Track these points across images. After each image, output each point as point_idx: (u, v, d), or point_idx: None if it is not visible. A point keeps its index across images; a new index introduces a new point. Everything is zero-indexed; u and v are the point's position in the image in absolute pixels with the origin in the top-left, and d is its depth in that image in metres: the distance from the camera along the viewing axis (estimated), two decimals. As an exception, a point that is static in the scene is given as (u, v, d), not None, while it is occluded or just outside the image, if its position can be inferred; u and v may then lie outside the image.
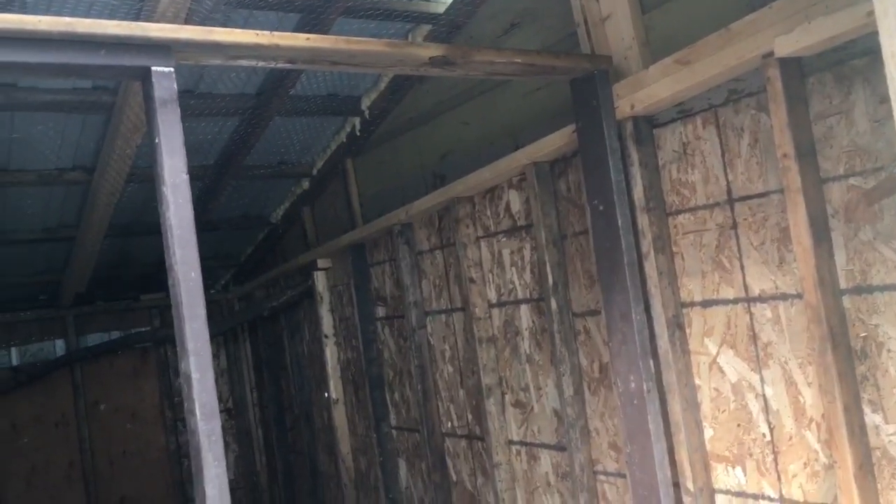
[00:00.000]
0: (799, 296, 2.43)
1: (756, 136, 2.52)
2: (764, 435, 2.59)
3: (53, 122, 4.31)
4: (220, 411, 2.07)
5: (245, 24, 3.65)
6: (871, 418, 2.27)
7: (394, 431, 4.89)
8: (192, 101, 4.29)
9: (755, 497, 2.63)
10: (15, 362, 6.75)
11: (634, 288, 2.82)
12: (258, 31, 2.24)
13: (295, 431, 6.50)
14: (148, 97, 2.07)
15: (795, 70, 2.32)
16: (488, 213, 3.79)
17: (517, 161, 3.44)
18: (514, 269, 3.67)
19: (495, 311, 3.81)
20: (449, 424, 4.29)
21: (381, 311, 4.90)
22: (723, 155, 2.64)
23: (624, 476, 3.15)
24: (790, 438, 2.51)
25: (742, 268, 2.60)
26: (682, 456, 2.77)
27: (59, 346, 6.92)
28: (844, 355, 2.28)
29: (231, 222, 6.18)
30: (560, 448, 3.49)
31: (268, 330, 6.77)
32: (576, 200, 3.27)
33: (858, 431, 2.27)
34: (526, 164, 3.39)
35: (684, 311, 2.82)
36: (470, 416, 4.10)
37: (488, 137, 3.88)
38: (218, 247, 6.69)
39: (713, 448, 2.77)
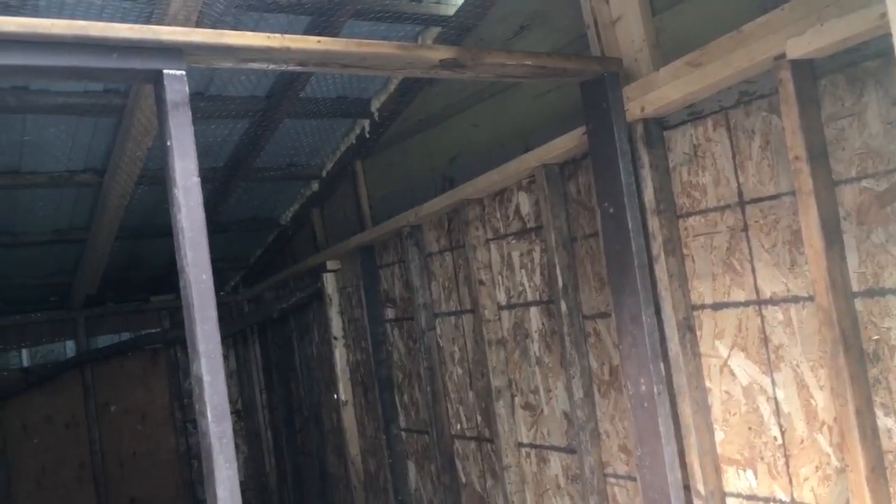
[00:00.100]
0: (811, 298, 2.42)
1: (767, 139, 2.51)
2: (775, 438, 2.58)
3: (65, 124, 4.33)
4: (230, 413, 2.07)
5: (255, 27, 3.67)
6: (884, 422, 2.26)
7: (403, 433, 4.89)
8: (203, 104, 4.31)
9: (766, 500, 2.62)
10: (26, 363, 6.78)
11: (645, 290, 2.81)
12: (269, 34, 2.25)
13: (304, 433, 6.50)
14: (160, 100, 2.08)
15: (807, 72, 2.32)
16: (498, 215, 3.79)
17: (527, 163, 3.44)
18: (523, 271, 3.67)
19: (505, 314, 3.81)
20: (458, 426, 4.28)
21: (390, 313, 4.90)
22: (734, 157, 2.63)
23: (634, 479, 3.14)
24: (802, 442, 2.50)
25: (753, 270, 2.60)
26: (693, 459, 2.77)
27: (70, 348, 6.95)
28: (856, 358, 2.27)
29: (241, 224, 6.20)
30: (570, 450, 3.49)
31: (277, 332, 6.78)
32: (586, 203, 3.27)
33: (871, 435, 2.25)
34: (536, 167, 3.39)
35: (695, 313, 2.82)
36: (479, 418, 4.10)
37: (498, 139, 3.88)
38: (227, 248, 6.71)
39: (724, 451, 2.76)
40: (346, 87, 4.65)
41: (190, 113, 2.07)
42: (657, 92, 2.72)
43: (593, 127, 2.93)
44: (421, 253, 4.42)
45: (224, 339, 7.04)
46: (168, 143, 2.05)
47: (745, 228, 2.61)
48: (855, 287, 2.30)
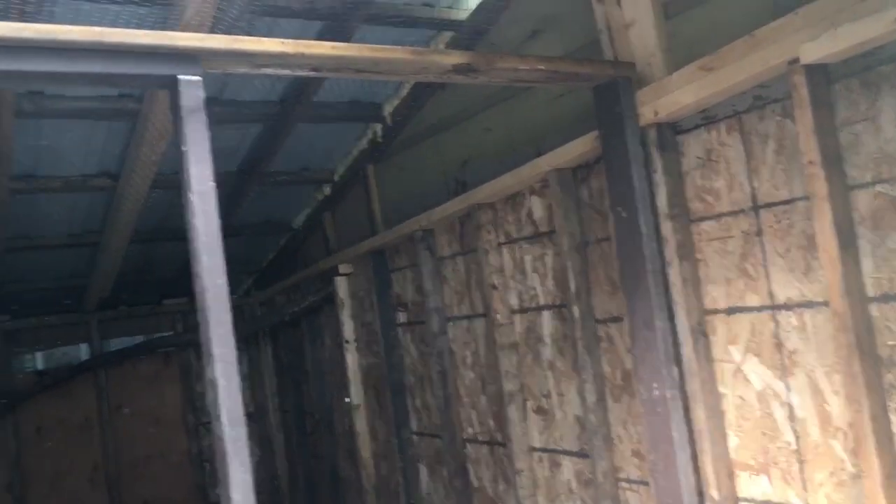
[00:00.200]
0: (825, 304, 2.41)
1: (781, 143, 2.51)
2: (789, 443, 2.57)
3: (80, 129, 4.36)
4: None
5: (269, 32, 3.68)
6: (900, 428, 2.25)
7: (415, 437, 4.90)
8: (217, 109, 4.33)
9: (780, 506, 2.61)
10: (40, 366, 6.83)
11: (658, 295, 2.81)
12: (284, 40, 2.26)
13: (316, 436, 6.52)
14: (175, 106, 2.09)
15: (821, 76, 2.31)
16: (510, 219, 3.79)
17: (539, 167, 3.44)
18: (536, 275, 3.67)
19: (517, 318, 3.81)
20: (470, 430, 4.28)
21: (402, 317, 4.91)
22: (747, 161, 2.62)
23: (647, 484, 3.14)
24: (816, 447, 2.48)
25: (767, 275, 2.59)
26: (707, 464, 2.76)
27: (84, 351, 6.98)
28: (872, 364, 2.26)
29: (253, 228, 6.22)
30: (582, 455, 3.48)
31: (289, 335, 6.80)
32: (598, 207, 3.26)
33: (886, 441, 2.24)
34: (548, 171, 3.39)
35: (708, 318, 2.81)
36: (491, 423, 4.10)
37: (510, 144, 3.89)
38: (240, 252, 6.74)
39: (738, 456, 2.75)
40: (359, 91, 4.66)
41: (205, 118, 2.08)
42: (670, 96, 2.71)
43: (606, 131, 2.93)
44: (433, 257, 4.43)
45: (236, 342, 7.06)
46: (184, 149, 2.06)
47: (759, 233, 2.60)
48: (870, 292, 2.29)
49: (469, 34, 3.98)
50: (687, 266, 2.80)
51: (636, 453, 3.21)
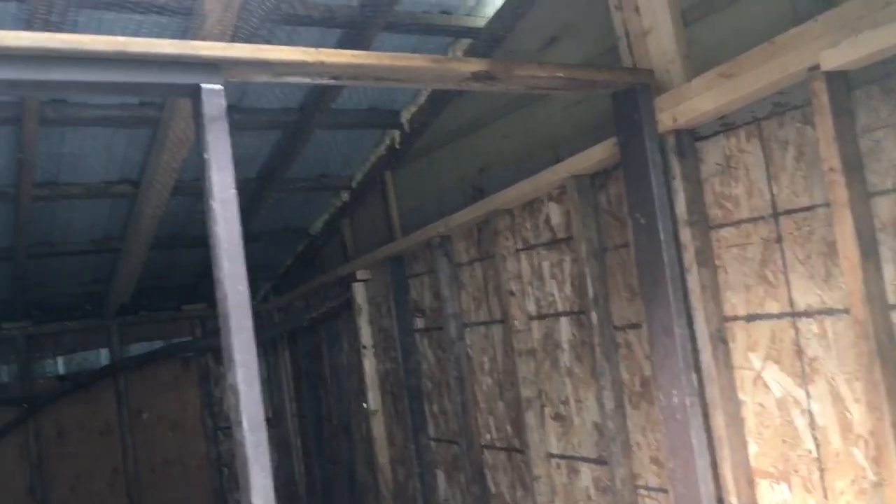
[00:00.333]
0: (846, 311, 2.39)
1: (801, 150, 2.50)
2: (810, 451, 2.55)
3: (102, 136, 4.42)
4: (264, 422, 2.10)
5: (288, 40, 3.72)
6: (922, 436, 2.23)
7: (432, 443, 4.90)
8: (237, 116, 4.37)
9: (801, 514, 2.60)
10: (61, 371, 6.89)
11: (677, 302, 2.80)
12: (304, 49, 2.28)
13: (333, 442, 6.54)
14: (197, 114, 2.11)
15: (842, 83, 2.30)
16: (528, 225, 3.80)
17: (557, 174, 3.44)
18: (553, 281, 3.67)
19: (535, 324, 3.81)
20: (488, 436, 4.29)
21: (419, 323, 4.92)
22: (767, 168, 2.62)
23: (666, 491, 3.12)
24: (837, 455, 2.47)
25: (787, 282, 2.58)
26: (726, 471, 2.75)
27: (104, 356, 7.05)
28: (893, 371, 2.25)
29: (271, 234, 6.26)
30: (601, 462, 3.48)
31: (307, 340, 6.83)
32: (616, 213, 3.26)
33: (908, 449, 2.23)
34: (566, 177, 3.39)
35: (727, 325, 2.80)
36: (509, 429, 4.10)
37: (528, 150, 3.89)
38: (258, 258, 6.78)
39: (758, 464, 2.74)
40: (377, 98, 4.69)
41: (227, 126, 2.10)
42: (689, 103, 2.71)
43: (625, 138, 2.93)
44: (450, 263, 4.44)
45: (255, 347, 7.10)
46: (205, 157, 2.08)
47: (779, 240, 2.59)
48: (892, 299, 2.27)
49: (487, 42, 4.00)
50: (706, 273, 2.80)
51: (655, 460, 3.21)
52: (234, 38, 3.32)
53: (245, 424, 2.01)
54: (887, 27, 2.06)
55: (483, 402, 4.30)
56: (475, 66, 2.56)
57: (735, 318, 2.77)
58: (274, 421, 7.53)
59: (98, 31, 3.30)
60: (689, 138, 2.85)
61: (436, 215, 4.49)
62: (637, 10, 2.91)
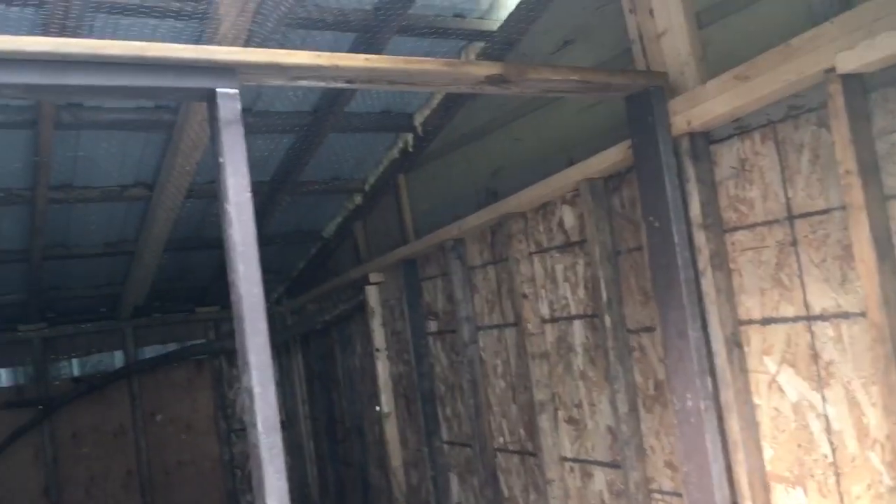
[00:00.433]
0: (862, 314, 2.38)
1: (817, 153, 2.49)
2: (826, 456, 2.54)
3: (117, 140, 4.44)
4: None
5: (302, 44, 3.73)
6: (939, 441, 2.22)
7: (445, 446, 4.90)
8: (251, 119, 4.38)
9: (817, 519, 2.58)
10: (76, 373, 6.94)
11: (691, 305, 2.79)
12: (318, 53, 2.29)
13: (346, 444, 6.54)
14: (213, 118, 2.12)
15: (858, 86, 2.29)
16: (541, 228, 3.79)
17: (571, 177, 3.44)
18: (567, 284, 3.66)
19: (548, 327, 3.80)
20: (501, 440, 4.28)
21: (432, 326, 4.92)
22: (782, 171, 2.60)
23: (680, 495, 3.11)
24: (853, 460, 2.45)
25: (803, 285, 2.56)
26: (741, 476, 2.73)
27: (118, 358, 7.09)
28: (910, 376, 2.23)
29: (285, 237, 6.27)
30: (614, 465, 3.47)
31: (320, 343, 6.85)
32: (630, 216, 3.26)
33: (926, 454, 2.21)
34: (580, 180, 3.39)
35: (742, 328, 2.79)
36: (522, 432, 4.09)
37: (541, 153, 3.89)
38: (271, 260, 6.80)
39: (773, 468, 2.72)
40: (390, 101, 4.69)
41: (242, 130, 2.11)
42: (703, 106, 2.71)
43: (638, 141, 2.93)
44: (464, 266, 4.44)
45: (268, 350, 7.10)
46: (220, 160, 2.09)
47: (795, 243, 2.58)
48: (908, 303, 2.26)
49: (500, 45, 4.00)
50: (720, 276, 2.79)
51: (669, 464, 3.19)
52: (249, 43, 3.33)
53: (260, 426, 2.01)
54: (904, 29, 2.05)
55: (496, 406, 4.29)
56: (489, 69, 2.57)
57: (750, 322, 2.76)
58: (287, 424, 7.55)
59: (114, 36, 3.33)
60: (704, 141, 2.84)
61: (449, 218, 4.49)
62: (651, 12, 2.90)
